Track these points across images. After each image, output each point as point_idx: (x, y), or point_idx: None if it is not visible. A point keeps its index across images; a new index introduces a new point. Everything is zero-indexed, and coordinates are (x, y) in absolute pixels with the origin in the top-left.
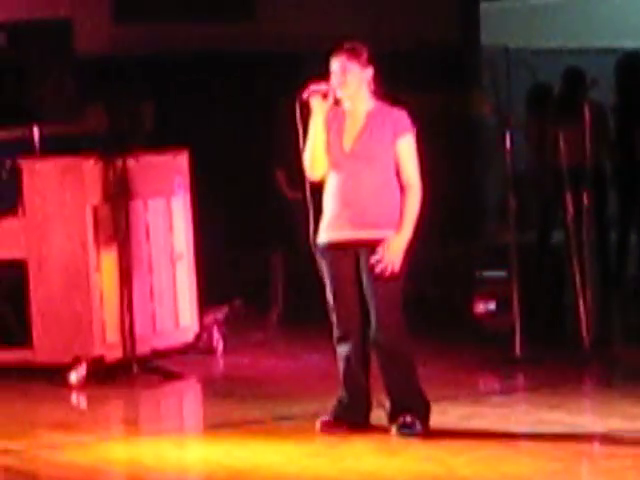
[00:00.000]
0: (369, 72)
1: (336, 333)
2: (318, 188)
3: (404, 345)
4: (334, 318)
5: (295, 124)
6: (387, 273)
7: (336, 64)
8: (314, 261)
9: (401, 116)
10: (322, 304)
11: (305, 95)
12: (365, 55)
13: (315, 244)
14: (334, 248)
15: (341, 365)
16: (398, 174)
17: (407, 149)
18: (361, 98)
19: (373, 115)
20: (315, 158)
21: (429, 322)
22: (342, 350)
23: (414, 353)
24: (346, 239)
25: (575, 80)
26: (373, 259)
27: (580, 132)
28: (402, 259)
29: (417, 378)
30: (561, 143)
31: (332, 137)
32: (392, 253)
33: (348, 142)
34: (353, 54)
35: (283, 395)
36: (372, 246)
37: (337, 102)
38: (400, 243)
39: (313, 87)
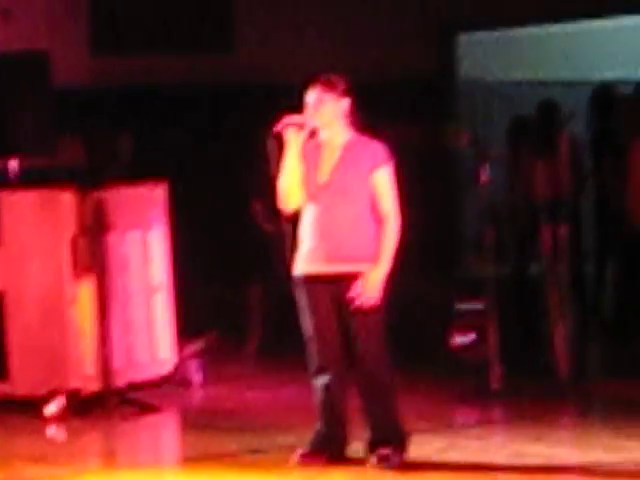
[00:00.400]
0: (345, 103)
1: (315, 364)
2: (295, 220)
3: (386, 377)
4: (313, 349)
5: (271, 156)
6: (367, 306)
7: (311, 95)
8: (292, 293)
9: (378, 148)
10: (300, 336)
11: (279, 127)
12: (342, 87)
13: (292, 276)
14: (311, 281)
15: (319, 396)
16: (374, 207)
17: (384, 181)
18: (337, 129)
19: (349, 147)
20: (289, 190)
21: (406, 354)
22: (321, 381)
23: (395, 385)
24: (322, 272)
25: (549, 112)
26: (352, 293)
27: (555, 165)
28: (382, 291)
29: (397, 410)
30: (536, 176)
31: (308, 169)
32: (371, 286)
33: (324, 175)
34: (328, 85)
35: (260, 427)
36: (349, 279)
37: (313, 134)
38: (378, 276)
39: (287, 119)
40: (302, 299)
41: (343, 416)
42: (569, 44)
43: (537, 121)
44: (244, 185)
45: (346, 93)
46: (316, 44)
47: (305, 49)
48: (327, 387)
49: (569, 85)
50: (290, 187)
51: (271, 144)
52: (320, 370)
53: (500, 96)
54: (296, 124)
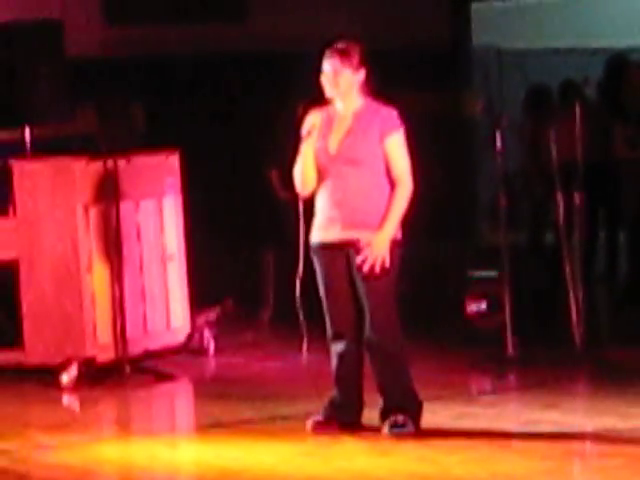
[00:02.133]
0: (361, 75)
1: (330, 331)
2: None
3: (397, 344)
4: (328, 316)
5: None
6: (376, 270)
7: (328, 66)
8: (306, 260)
9: (389, 115)
10: (313, 303)
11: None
12: (357, 57)
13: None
14: (326, 248)
15: (334, 363)
16: (389, 173)
17: (395, 147)
18: (351, 99)
19: (360, 115)
20: (305, 178)
21: (420, 322)
22: (336, 348)
23: (407, 352)
24: (337, 239)
25: (571, 92)
26: (359, 259)
27: (570, 131)
28: (394, 259)
29: (410, 377)
30: (551, 143)
31: (320, 139)
32: (376, 249)
33: (334, 144)
34: (346, 57)
35: (274, 395)
36: (363, 246)
37: (327, 102)
38: (383, 238)
39: (306, 127)
40: (318, 267)
41: (358, 383)
42: (583, 11)
43: (559, 99)
44: (258, 153)
45: (362, 64)
46: (329, 12)
47: (318, 17)
48: (342, 354)
49: (583, 53)
50: (305, 175)
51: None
52: (335, 338)
53: (514, 64)
54: (314, 128)
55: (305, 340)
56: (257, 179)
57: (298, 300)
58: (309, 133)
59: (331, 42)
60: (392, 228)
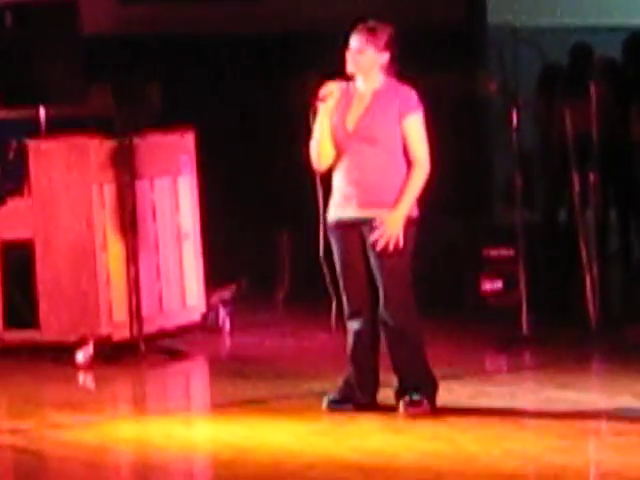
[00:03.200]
0: (385, 56)
1: (347, 309)
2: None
3: (411, 323)
4: (344, 295)
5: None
6: (391, 248)
7: (354, 41)
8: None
9: (409, 95)
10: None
11: (317, 104)
12: (384, 38)
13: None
14: (342, 226)
15: (350, 341)
16: (406, 153)
17: (414, 127)
18: (371, 78)
19: (379, 94)
20: (321, 152)
21: (435, 300)
22: (353, 326)
23: (422, 331)
24: (353, 217)
25: (582, 56)
26: (373, 236)
27: (586, 110)
28: (409, 237)
29: (425, 356)
30: (567, 120)
31: (337, 116)
32: (390, 227)
33: (351, 122)
34: (372, 36)
35: (289, 374)
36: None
37: (349, 78)
38: (397, 217)
39: (322, 92)
40: (335, 245)
41: (374, 362)
42: None
43: (570, 65)
44: (273, 133)
45: (388, 46)
46: None
47: None
48: (359, 332)
49: (598, 31)
50: (322, 148)
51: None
52: (352, 315)
53: (529, 42)
54: (330, 94)
55: (333, 315)
56: (273, 158)
57: (327, 275)
58: (324, 98)
59: (361, 20)
60: (406, 207)
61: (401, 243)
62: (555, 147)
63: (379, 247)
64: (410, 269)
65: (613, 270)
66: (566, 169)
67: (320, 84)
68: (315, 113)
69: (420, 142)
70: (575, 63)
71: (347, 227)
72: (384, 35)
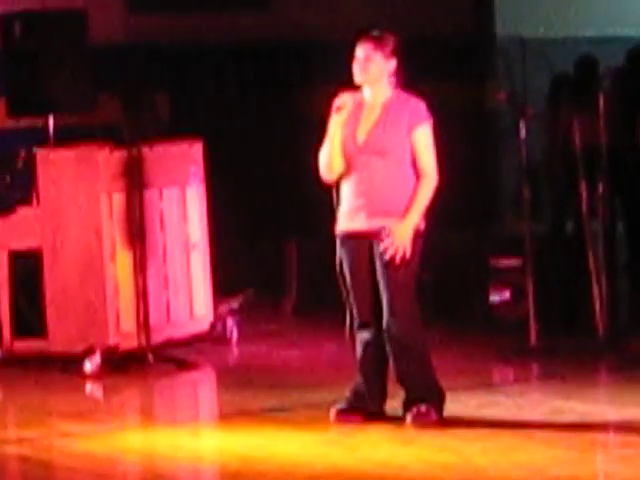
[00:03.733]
0: (392, 64)
1: (356, 320)
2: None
3: (417, 334)
4: (353, 306)
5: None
6: (398, 259)
7: (360, 51)
8: (328, 251)
9: (418, 106)
10: (335, 292)
11: (333, 111)
12: (391, 46)
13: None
14: (351, 237)
15: (359, 352)
16: (414, 164)
17: (423, 139)
18: (380, 88)
19: (389, 106)
20: (331, 163)
21: (443, 311)
22: (361, 337)
23: (428, 342)
24: (362, 229)
25: (588, 67)
26: (381, 246)
27: (593, 120)
28: (416, 249)
29: (431, 367)
30: (574, 132)
31: (348, 128)
32: (399, 238)
33: (362, 134)
34: (379, 44)
35: (297, 384)
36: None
37: (356, 89)
38: (406, 228)
39: (337, 102)
40: (344, 256)
41: (382, 373)
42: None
43: (576, 76)
44: (281, 142)
45: (394, 54)
46: (351, 2)
47: (340, 7)
48: (368, 343)
49: (605, 41)
50: (332, 159)
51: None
52: (361, 326)
53: (537, 53)
54: (344, 105)
55: (347, 328)
56: (281, 168)
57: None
58: (339, 109)
59: (365, 31)
60: (415, 219)
61: (408, 255)
62: (562, 158)
63: (387, 256)
64: (415, 281)
65: (621, 281)
66: (573, 180)
67: (335, 94)
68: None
69: (428, 154)
70: (581, 74)
71: (356, 238)
72: (390, 42)
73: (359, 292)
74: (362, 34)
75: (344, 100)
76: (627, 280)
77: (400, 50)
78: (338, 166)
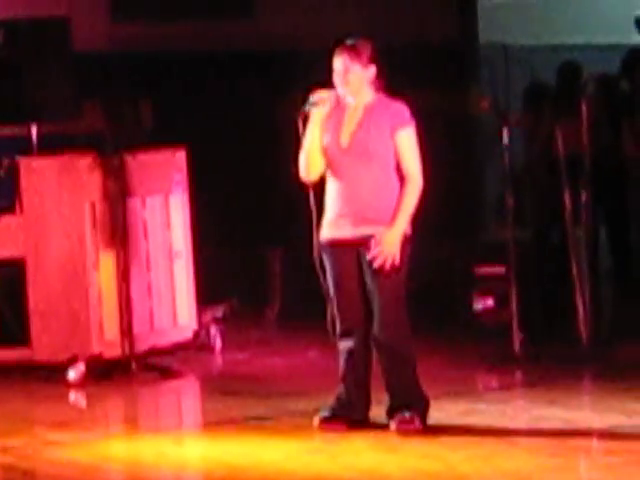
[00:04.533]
0: (371, 71)
1: (339, 328)
2: (321, 185)
3: (406, 342)
4: (337, 314)
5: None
6: (387, 266)
7: (338, 63)
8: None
9: (400, 109)
10: (319, 301)
11: (306, 109)
12: (367, 53)
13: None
14: (336, 245)
15: (342, 360)
16: (398, 168)
17: (406, 142)
18: (362, 96)
19: (371, 109)
20: (310, 161)
21: (427, 318)
22: (344, 345)
23: (414, 349)
24: (347, 237)
25: (571, 74)
26: (370, 254)
27: (576, 127)
28: (404, 255)
29: (417, 374)
30: (557, 139)
31: (330, 133)
32: (388, 245)
33: (345, 138)
34: (355, 53)
35: (281, 392)
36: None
37: (337, 100)
38: (394, 235)
39: (313, 98)
40: (328, 264)
41: (366, 380)
42: (590, 7)
43: (559, 83)
44: (263, 150)
45: (372, 60)
46: (336, 9)
47: (324, 14)
48: (351, 351)
49: (589, 49)
50: (311, 158)
51: (299, 124)
52: (344, 334)
53: (520, 60)
54: (321, 101)
55: (329, 321)
56: (264, 176)
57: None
58: (316, 104)
59: (340, 40)
60: (403, 225)
61: (397, 262)
62: (541, 164)
63: (377, 265)
64: (404, 288)
65: (604, 288)
66: (555, 186)
67: (307, 94)
68: (305, 120)
69: (412, 157)
70: (564, 81)
71: (341, 246)
72: (366, 50)
73: (344, 300)
74: (338, 43)
75: (321, 96)
76: (610, 287)
77: (377, 55)
78: (318, 165)
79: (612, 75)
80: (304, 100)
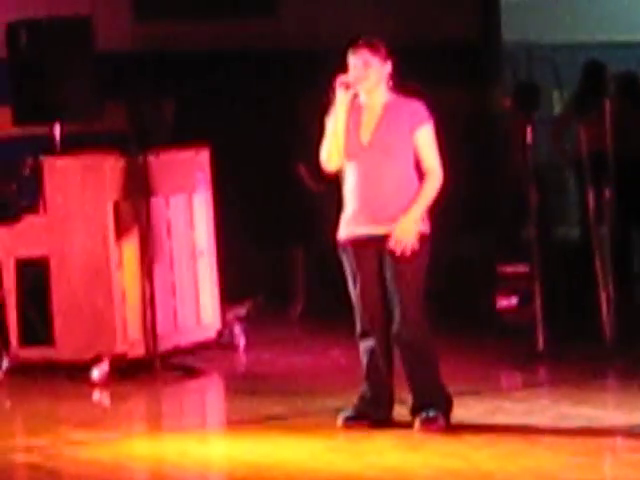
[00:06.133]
0: (388, 66)
1: (359, 328)
2: (339, 182)
3: (427, 340)
4: (357, 313)
5: (316, 118)
6: (404, 253)
7: (357, 58)
8: (336, 255)
9: (418, 107)
10: (344, 298)
11: (337, 84)
12: (384, 49)
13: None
14: (355, 243)
15: (364, 360)
16: (418, 167)
17: (426, 139)
18: (379, 92)
19: (390, 107)
20: (333, 149)
21: (451, 317)
22: (366, 345)
23: (437, 348)
24: (367, 234)
25: (595, 73)
26: (389, 245)
27: (600, 126)
28: (424, 254)
29: (439, 373)
30: (581, 137)
31: (349, 129)
32: (401, 232)
33: (366, 134)
34: (374, 49)
35: (305, 391)
36: None
37: (355, 96)
38: (408, 222)
39: (341, 78)
40: (346, 262)
41: (388, 379)
42: (612, 5)
43: (583, 82)
44: (286, 149)
45: (389, 56)
46: (356, 7)
47: (345, 13)
48: (372, 351)
49: (611, 47)
50: (334, 145)
51: (330, 101)
52: (365, 334)
53: (542, 59)
54: (346, 83)
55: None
56: (286, 175)
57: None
58: (344, 84)
59: (354, 39)
60: (417, 213)
61: (416, 248)
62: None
63: (398, 254)
64: (424, 286)
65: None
66: (579, 184)
67: (329, 93)
68: (331, 103)
69: (433, 153)
70: (588, 80)
71: (361, 244)
72: (383, 46)
73: (364, 299)
74: (352, 42)
75: (346, 79)
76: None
77: (391, 54)
78: (338, 158)
79: (634, 72)
80: (327, 98)
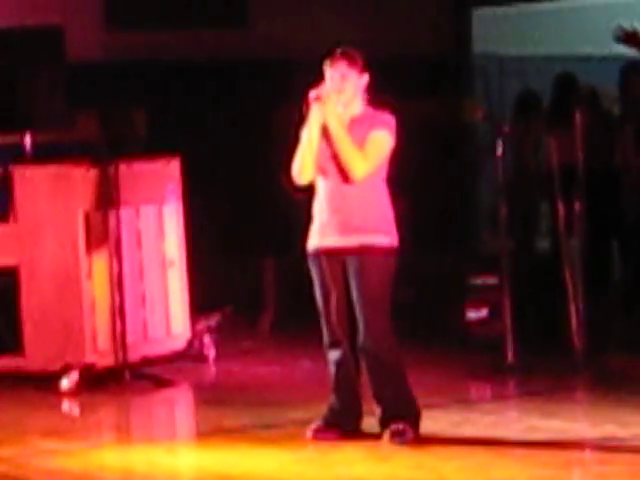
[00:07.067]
0: (365, 79)
1: (327, 338)
2: (311, 193)
3: (392, 351)
4: (324, 324)
5: (289, 128)
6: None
7: (335, 70)
8: (306, 266)
9: (383, 117)
10: (313, 310)
11: (312, 97)
12: (361, 62)
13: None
14: (323, 254)
15: (332, 371)
16: (386, 178)
17: (374, 139)
18: (355, 105)
19: (357, 120)
20: (306, 163)
21: (420, 329)
22: (333, 356)
23: (403, 359)
24: (334, 246)
25: (566, 85)
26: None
27: (570, 138)
28: (390, 267)
29: (407, 384)
30: (551, 149)
31: (320, 142)
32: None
33: (332, 148)
34: (352, 61)
35: (274, 402)
36: (359, 252)
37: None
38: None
39: (315, 91)
40: (315, 273)
41: (357, 391)
42: (583, 18)
43: (554, 94)
44: (257, 159)
45: (366, 69)
46: (328, 18)
47: (317, 24)
48: (340, 362)
49: (583, 60)
50: (307, 159)
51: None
52: (332, 345)
53: (514, 71)
54: (318, 97)
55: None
56: (257, 185)
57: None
58: (318, 98)
59: (331, 50)
60: (336, 124)
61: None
62: (530, 174)
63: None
64: (390, 299)
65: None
66: (548, 196)
67: (303, 104)
68: (305, 116)
69: (373, 156)
70: (559, 92)
71: (328, 255)
72: (359, 58)
73: (331, 310)
74: (329, 53)
75: (321, 92)
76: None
77: (368, 66)
78: (310, 172)
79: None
80: (301, 108)
